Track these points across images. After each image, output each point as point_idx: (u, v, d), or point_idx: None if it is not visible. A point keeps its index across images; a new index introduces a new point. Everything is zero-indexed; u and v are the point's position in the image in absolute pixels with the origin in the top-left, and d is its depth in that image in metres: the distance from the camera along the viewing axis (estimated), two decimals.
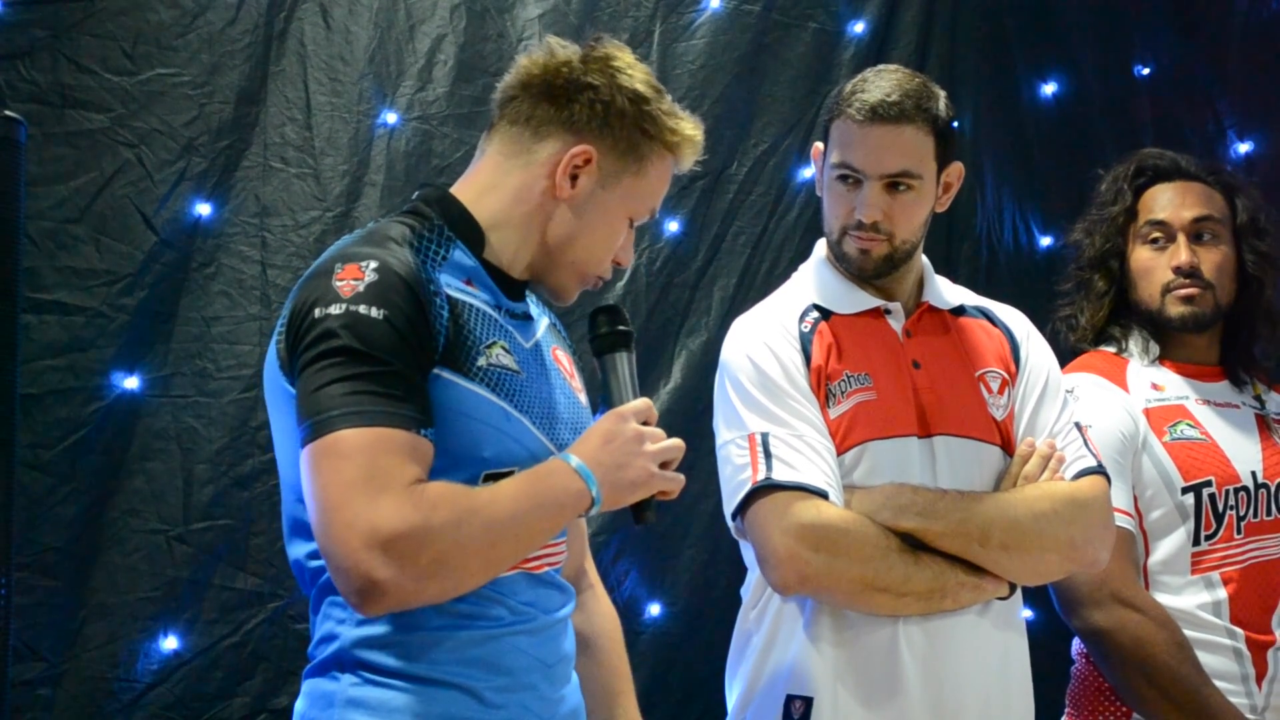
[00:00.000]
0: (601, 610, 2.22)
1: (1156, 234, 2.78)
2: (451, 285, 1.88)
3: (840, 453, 2.25)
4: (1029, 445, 2.33)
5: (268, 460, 3.21)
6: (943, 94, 2.35)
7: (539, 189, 1.95)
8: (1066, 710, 2.71)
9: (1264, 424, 2.76)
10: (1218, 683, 2.55)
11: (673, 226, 3.69)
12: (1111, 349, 2.79)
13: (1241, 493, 2.65)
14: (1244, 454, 2.68)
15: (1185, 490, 2.62)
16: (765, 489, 2.20)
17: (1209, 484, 2.63)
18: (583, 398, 2.06)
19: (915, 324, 2.38)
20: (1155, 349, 2.77)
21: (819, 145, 2.40)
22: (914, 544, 2.21)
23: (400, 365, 1.77)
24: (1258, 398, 2.79)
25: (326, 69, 3.44)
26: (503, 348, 1.89)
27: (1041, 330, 2.50)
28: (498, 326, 1.91)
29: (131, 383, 3.24)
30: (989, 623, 2.26)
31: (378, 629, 1.82)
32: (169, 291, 3.28)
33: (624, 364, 1.96)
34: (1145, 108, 4.13)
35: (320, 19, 3.45)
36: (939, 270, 2.48)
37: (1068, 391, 2.46)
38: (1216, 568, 2.62)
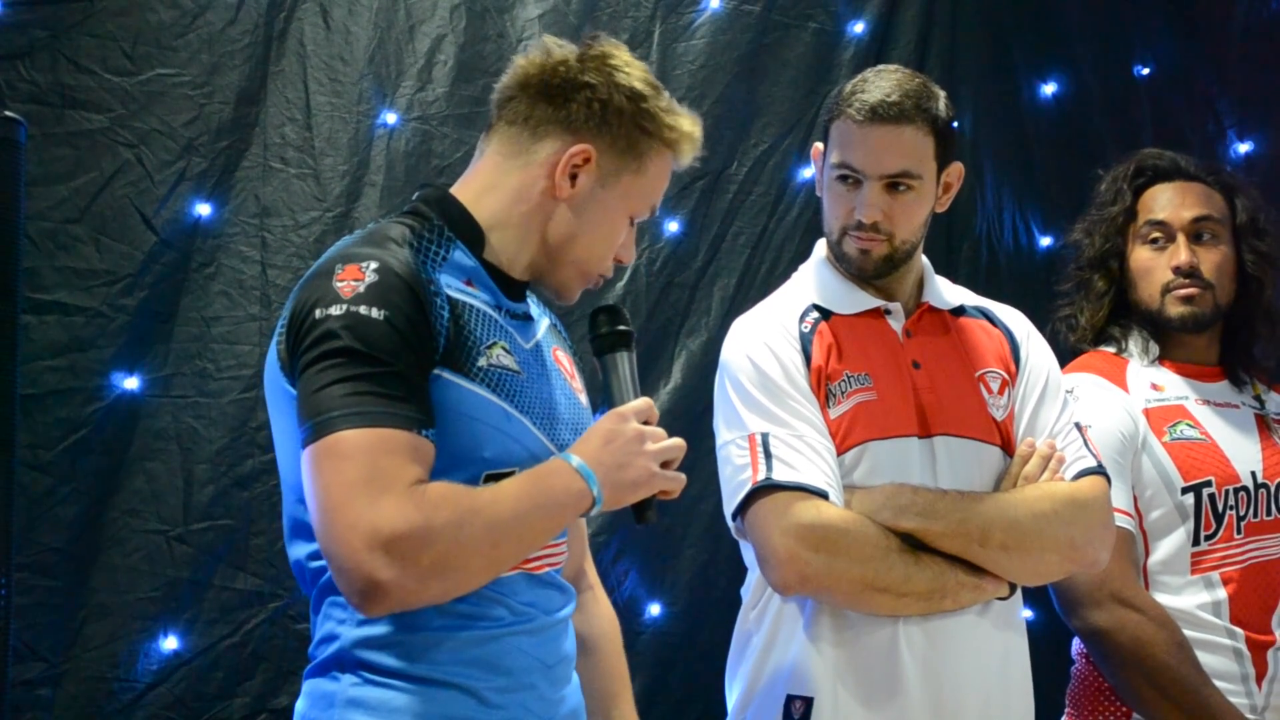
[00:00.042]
0: (600, 612, 2.22)
1: (1156, 234, 2.78)
2: (452, 286, 1.88)
3: (840, 453, 2.25)
4: (1029, 445, 2.33)
5: (268, 460, 3.21)
6: (943, 94, 2.35)
7: (538, 189, 1.95)
8: (1066, 710, 2.72)
9: (1264, 424, 2.76)
10: (1218, 683, 2.55)
11: (673, 226, 3.69)
12: (1111, 349, 2.80)
13: (1241, 493, 2.65)
14: (1244, 454, 2.68)
15: (1185, 490, 2.63)
16: (765, 489, 2.20)
17: (1209, 484, 2.63)
18: (583, 398, 2.06)
19: (915, 324, 2.38)
20: (1155, 349, 2.77)
21: (819, 145, 2.40)
22: (914, 544, 2.21)
23: (401, 366, 1.77)
24: (1257, 398, 2.79)
25: (326, 69, 3.44)
26: (503, 348, 1.89)
27: (1041, 330, 2.50)
28: (498, 327, 1.91)
29: (131, 383, 3.24)
30: (989, 623, 2.26)
31: (378, 629, 1.82)
32: (169, 291, 3.28)
33: (625, 364, 1.96)
34: (1145, 108, 4.13)
35: (320, 19, 3.45)
36: (939, 270, 2.48)
37: (1068, 392, 2.46)
38: (1216, 568, 2.62)
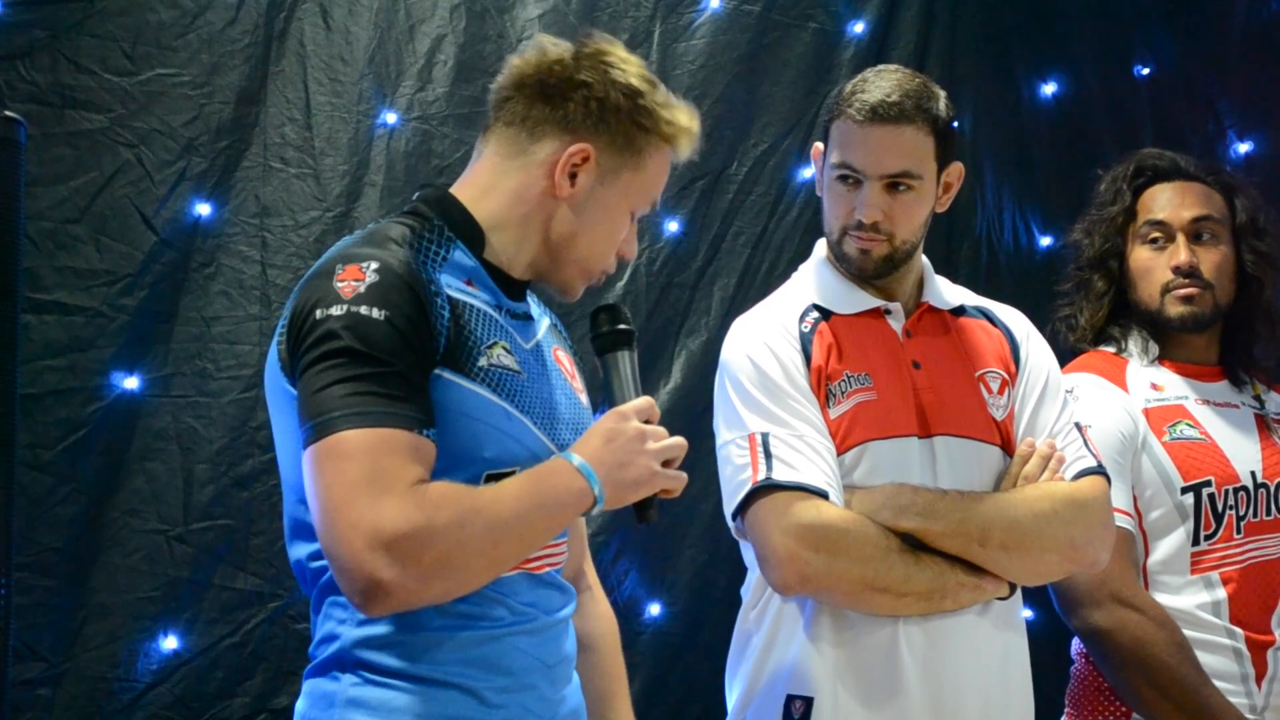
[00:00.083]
0: (599, 613, 2.22)
1: (1156, 234, 2.78)
2: (452, 286, 1.87)
3: (840, 453, 2.25)
4: (1029, 445, 2.33)
5: (268, 460, 3.22)
6: (943, 94, 2.35)
7: (538, 189, 1.95)
8: (1066, 710, 2.71)
9: (1263, 424, 2.76)
10: (1217, 683, 2.55)
11: (673, 226, 3.69)
12: (1111, 349, 2.80)
13: (1241, 492, 2.65)
14: (1243, 454, 2.68)
15: (1185, 490, 2.63)
16: (765, 489, 2.20)
17: (1208, 484, 2.63)
18: (583, 398, 2.06)
19: (915, 324, 2.38)
20: (1155, 349, 2.77)
21: (819, 145, 2.40)
22: (914, 544, 2.21)
23: (402, 366, 1.77)
24: (1257, 397, 2.79)
25: (326, 69, 3.45)
26: (504, 348, 1.89)
27: (1041, 330, 2.50)
28: (498, 327, 1.91)
29: (131, 383, 3.24)
30: (989, 623, 2.26)
31: (379, 629, 1.82)
32: (169, 291, 3.28)
33: (626, 363, 1.96)
34: (1145, 108, 4.13)
35: (320, 19, 3.45)
36: (939, 270, 2.48)
37: (1067, 392, 2.46)
38: (1216, 568, 2.62)
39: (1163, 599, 2.59)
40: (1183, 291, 2.73)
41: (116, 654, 3.17)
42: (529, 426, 1.88)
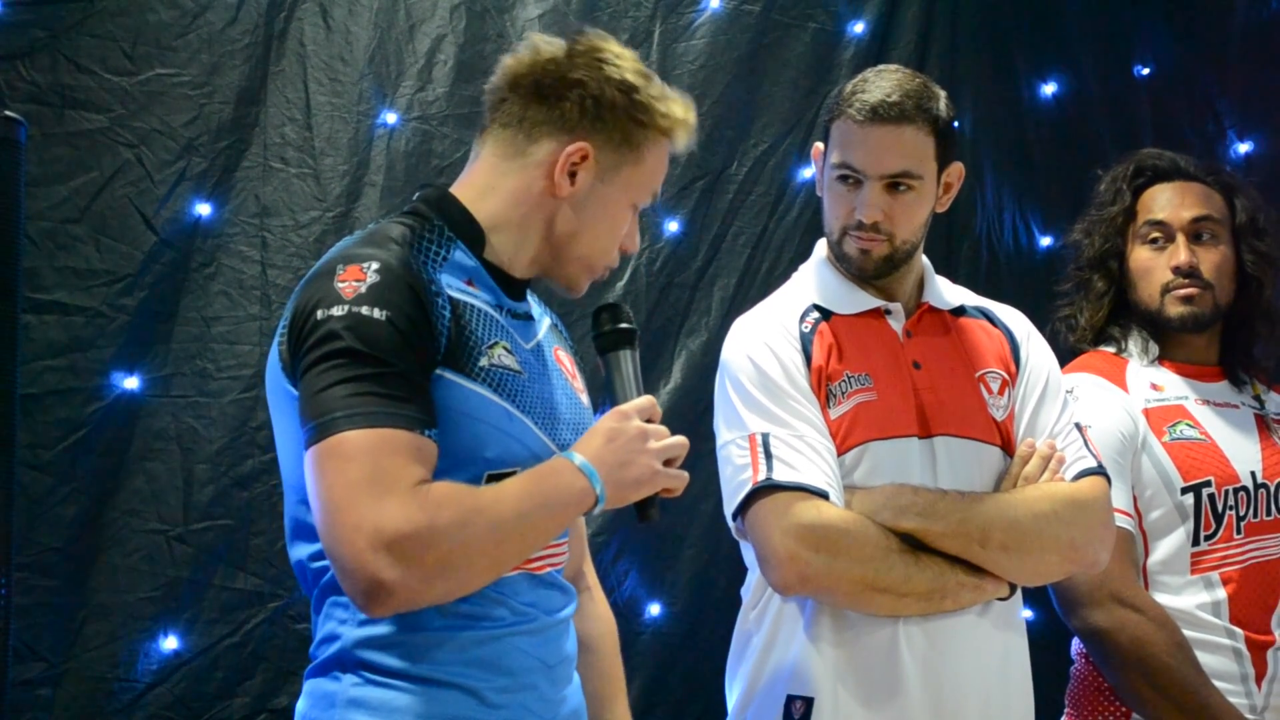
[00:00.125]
0: (598, 613, 2.21)
1: (1155, 234, 2.78)
2: (453, 286, 1.87)
3: (841, 453, 2.25)
4: (1029, 446, 2.33)
5: (268, 460, 3.22)
6: (943, 94, 2.35)
7: (537, 189, 1.95)
8: (1066, 710, 2.71)
9: (1263, 424, 2.76)
10: (1217, 683, 2.55)
11: (673, 226, 3.69)
12: (1111, 349, 2.80)
13: (1241, 493, 2.65)
14: (1243, 454, 2.68)
15: (1185, 490, 2.63)
16: (766, 489, 2.20)
17: (1208, 484, 2.63)
18: (584, 398, 2.06)
19: (915, 324, 2.38)
20: (1154, 349, 2.77)
21: (819, 145, 2.40)
22: (914, 544, 2.20)
23: (403, 366, 1.77)
24: (1257, 398, 2.79)
25: (326, 69, 3.45)
26: (504, 348, 1.89)
27: (1041, 330, 2.50)
28: (499, 327, 1.91)
29: (131, 383, 3.24)
30: (989, 623, 2.26)
31: (380, 629, 1.82)
32: (169, 291, 3.28)
33: (627, 362, 1.96)
34: (1145, 108, 4.13)
35: (320, 19, 3.45)
36: (939, 270, 2.48)
37: (1068, 392, 2.46)
38: (1216, 568, 2.62)
39: (1163, 599, 2.59)
40: (1183, 292, 2.73)
41: (116, 654, 3.17)
42: (530, 426, 1.88)
